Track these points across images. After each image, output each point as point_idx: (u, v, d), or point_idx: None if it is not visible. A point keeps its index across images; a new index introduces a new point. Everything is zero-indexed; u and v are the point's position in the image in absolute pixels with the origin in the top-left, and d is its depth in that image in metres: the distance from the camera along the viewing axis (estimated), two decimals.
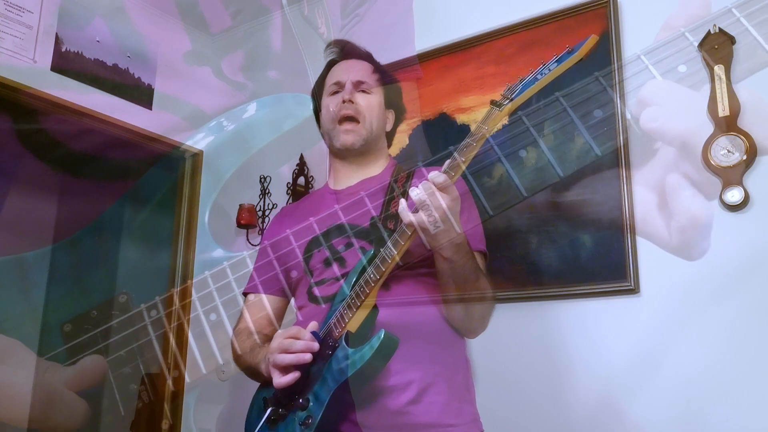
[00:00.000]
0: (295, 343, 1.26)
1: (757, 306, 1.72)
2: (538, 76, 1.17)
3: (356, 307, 1.26)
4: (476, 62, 2.34)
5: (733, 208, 1.78)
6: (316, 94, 1.66)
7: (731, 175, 1.79)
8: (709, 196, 1.82)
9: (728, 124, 1.81)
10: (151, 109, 2.78)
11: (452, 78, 2.38)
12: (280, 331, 1.34)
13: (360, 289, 1.27)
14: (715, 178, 1.82)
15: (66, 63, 2.53)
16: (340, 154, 1.59)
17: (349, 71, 1.59)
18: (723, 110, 1.80)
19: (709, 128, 1.82)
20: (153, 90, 2.80)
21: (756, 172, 1.78)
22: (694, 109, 1.83)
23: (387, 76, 1.65)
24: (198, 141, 2.92)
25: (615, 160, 1.98)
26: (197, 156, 2.96)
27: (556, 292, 2.01)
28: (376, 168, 1.58)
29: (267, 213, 2.77)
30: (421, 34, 2.44)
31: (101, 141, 2.64)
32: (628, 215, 1.93)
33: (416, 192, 1.20)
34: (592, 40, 1.09)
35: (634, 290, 1.90)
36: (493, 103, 1.17)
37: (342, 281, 1.35)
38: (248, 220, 2.72)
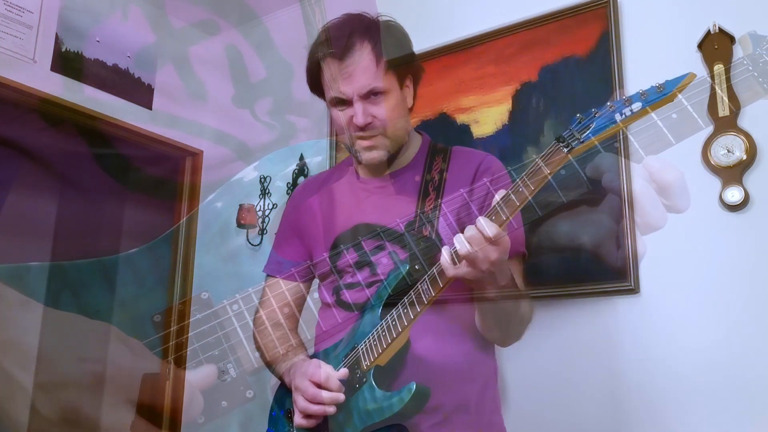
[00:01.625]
0: (321, 395, 1.20)
1: (757, 306, 1.72)
2: (618, 117, 0.91)
3: (387, 342, 1.18)
4: (476, 62, 2.34)
5: (733, 208, 1.79)
6: (312, 79, 1.40)
7: (731, 175, 1.79)
8: (708, 196, 1.82)
9: (728, 124, 1.81)
10: (151, 109, 2.78)
11: (452, 78, 2.38)
12: (306, 367, 1.26)
13: (392, 323, 1.18)
14: (715, 178, 1.82)
15: (66, 63, 2.53)
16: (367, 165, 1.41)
17: (353, 81, 1.30)
18: (723, 110, 1.80)
19: (707, 131, 1.83)
20: (153, 90, 2.80)
21: (756, 172, 1.78)
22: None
23: (399, 52, 1.38)
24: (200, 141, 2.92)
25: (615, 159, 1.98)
26: (197, 156, 2.97)
27: (556, 292, 2.01)
28: (408, 155, 1.42)
29: (267, 213, 2.77)
30: (421, 34, 2.43)
31: (100, 141, 2.64)
32: (628, 215, 1.93)
33: (463, 245, 1.06)
34: (691, 77, 0.83)
35: (634, 290, 1.90)
36: (560, 140, 0.96)
37: (372, 290, 1.27)
38: (248, 220, 2.73)
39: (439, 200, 1.29)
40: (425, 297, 1.14)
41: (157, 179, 2.93)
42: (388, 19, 1.41)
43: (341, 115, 1.34)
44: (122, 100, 2.70)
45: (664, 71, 1.93)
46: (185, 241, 2.92)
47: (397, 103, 1.36)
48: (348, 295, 1.32)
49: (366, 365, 1.21)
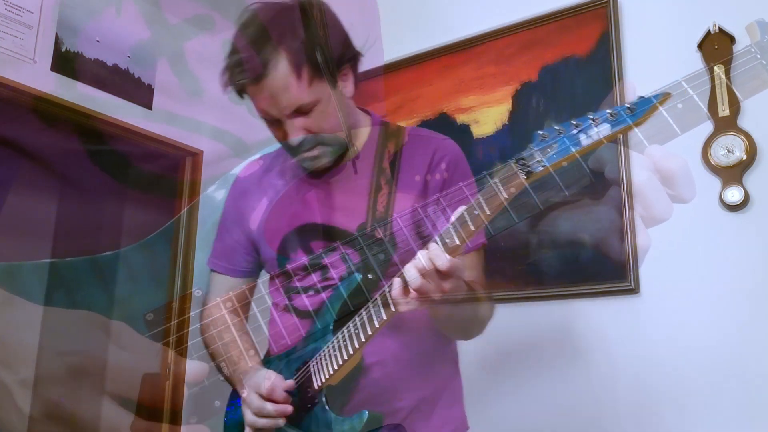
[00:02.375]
0: (266, 408, 1.14)
1: (758, 305, 1.72)
2: (583, 139, 0.81)
3: (338, 364, 1.12)
4: (476, 62, 2.34)
5: (733, 207, 1.79)
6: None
7: (731, 175, 1.79)
8: (708, 195, 1.82)
9: (728, 124, 1.81)
10: (151, 109, 2.78)
11: (452, 78, 2.38)
12: (253, 379, 1.19)
13: (344, 343, 1.11)
14: (715, 178, 1.82)
15: (66, 63, 2.53)
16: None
17: (276, 102, 1.18)
18: (723, 110, 1.80)
19: (707, 131, 1.83)
20: (153, 90, 2.79)
21: (756, 172, 1.78)
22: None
23: (320, 52, 1.18)
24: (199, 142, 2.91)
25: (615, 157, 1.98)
26: (197, 156, 2.96)
27: (556, 292, 2.01)
28: (357, 144, 1.31)
29: None
30: (421, 34, 2.44)
31: (100, 141, 2.64)
32: (628, 215, 1.93)
33: (414, 277, 0.98)
34: (665, 98, 0.75)
35: (634, 290, 1.90)
36: (519, 162, 0.85)
37: (326, 294, 1.20)
38: None
39: (393, 195, 1.20)
40: (377, 320, 1.06)
41: (157, 179, 2.93)
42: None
43: (277, 132, 1.24)
44: (122, 100, 2.70)
45: (664, 71, 1.93)
46: (185, 237, 2.91)
47: (333, 109, 1.21)
48: (299, 300, 1.25)
49: (318, 385, 1.15)
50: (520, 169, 0.85)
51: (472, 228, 0.92)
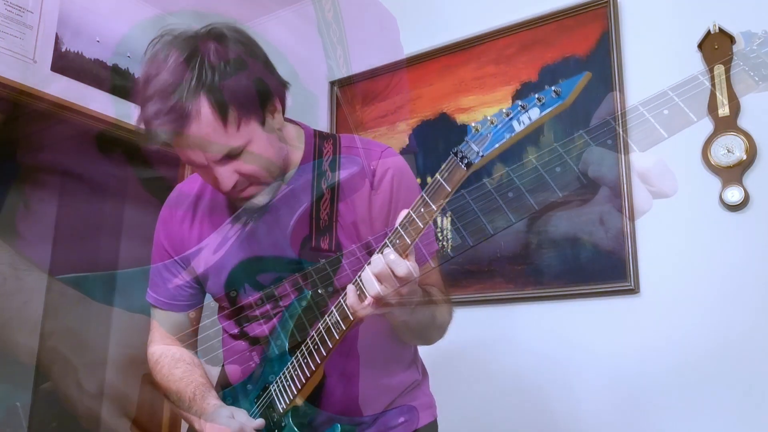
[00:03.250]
0: None
1: (758, 305, 1.72)
2: (516, 126, 0.86)
3: (302, 382, 1.09)
4: (476, 62, 2.34)
5: (733, 208, 1.78)
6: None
7: (731, 175, 1.79)
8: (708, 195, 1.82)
9: (728, 124, 1.81)
10: None
11: (452, 78, 2.38)
12: (217, 420, 1.11)
13: (304, 360, 1.08)
14: (715, 178, 1.82)
15: (66, 63, 2.53)
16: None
17: (203, 150, 1.08)
18: (723, 110, 1.80)
19: (707, 131, 1.82)
20: None
21: (756, 172, 1.78)
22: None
23: (243, 92, 1.07)
24: None
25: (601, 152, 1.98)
26: None
27: (556, 292, 2.01)
28: (294, 161, 1.21)
29: None
30: (421, 34, 2.44)
31: (100, 141, 2.64)
32: (627, 215, 1.93)
33: (371, 285, 0.96)
34: (585, 78, 0.82)
35: (634, 290, 1.90)
36: (457, 155, 0.89)
37: (275, 320, 1.16)
38: None
39: (335, 202, 1.16)
40: (336, 331, 1.03)
41: (157, 179, 2.93)
42: (219, 27, 1.10)
43: (205, 175, 1.14)
44: (122, 100, 2.70)
45: (664, 71, 1.93)
46: None
47: (265, 146, 1.11)
48: (252, 328, 1.20)
49: (282, 408, 1.12)
50: (460, 162, 0.88)
51: (420, 225, 0.92)
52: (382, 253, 0.96)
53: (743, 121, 1.80)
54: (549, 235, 2.06)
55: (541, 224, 2.08)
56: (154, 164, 2.88)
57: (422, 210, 0.92)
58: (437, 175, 0.91)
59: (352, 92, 2.62)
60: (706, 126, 1.83)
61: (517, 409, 1.98)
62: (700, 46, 1.88)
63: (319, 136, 1.24)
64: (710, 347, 1.76)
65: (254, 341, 1.20)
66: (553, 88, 0.85)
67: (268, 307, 1.18)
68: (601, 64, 2.07)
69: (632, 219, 1.91)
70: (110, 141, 2.66)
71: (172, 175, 2.95)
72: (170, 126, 1.04)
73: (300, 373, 1.09)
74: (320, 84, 2.65)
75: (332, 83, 2.65)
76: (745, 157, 1.77)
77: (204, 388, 1.19)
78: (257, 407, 1.16)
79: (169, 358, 1.24)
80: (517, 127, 0.86)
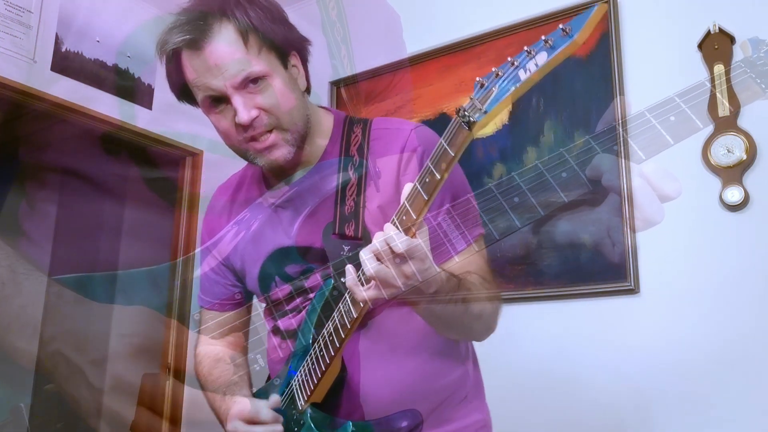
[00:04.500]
0: (253, 431, 1.06)
1: (758, 305, 1.72)
2: (522, 75, 0.78)
3: (318, 377, 1.03)
4: (476, 62, 2.34)
5: (733, 207, 1.79)
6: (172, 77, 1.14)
7: (731, 175, 1.79)
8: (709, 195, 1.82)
9: (728, 124, 1.81)
10: (151, 109, 2.78)
11: (452, 78, 2.38)
12: (234, 408, 1.11)
13: (320, 353, 1.02)
14: (715, 178, 1.82)
15: (66, 63, 2.53)
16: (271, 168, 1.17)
17: (221, 71, 1.04)
18: (723, 110, 1.80)
19: (707, 131, 1.83)
20: (153, 90, 2.80)
21: (756, 172, 1.79)
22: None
23: (271, 25, 1.09)
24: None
25: (614, 165, 1.98)
26: (197, 156, 2.97)
27: (556, 292, 2.02)
28: (319, 145, 1.16)
29: None
30: (421, 34, 2.44)
31: (100, 140, 2.64)
32: (628, 215, 1.93)
33: (371, 264, 0.88)
34: (598, 13, 0.73)
35: (634, 290, 1.90)
36: (460, 114, 0.81)
37: (304, 312, 1.12)
38: None
39: (362, 187, 1.09)
40: (347, 319, 0.96)
41: (157, 179, 2.93)
42: None
43: (222, 120, 1.09)
44: (122, 100, 2.70)
45: (664, 71, 1.94)
46: (185, 241, 2.91)
47: (286, 86, 1.08)
48: (284, 322, 1.17)
49: (301, 405, 1.07)
50: (462, 121, 0.80)
51: (425, 197, 0.85)
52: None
53: (743, 121, 1.80)
54: (549, 236, 2.06)
55: (542, 224, 2.08)
56: (156, 164, 2.88)
57: (427, 180, 0.85)
58: (441, 140, 0.84)
59: (355, 91, 2.62)
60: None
61: (517, 408, 1.99)
62: (700, 46, 1.88)
63: (350, 121, 1.19)
64: (710, 347, 1.76)
65: (286, 335, 1.17)
66: (561, 26, 0.75)
67: (298, 300, 1.13)
68: (601, 64, 2.07)
69: (632, 229, 1.92)
70: (111, 141, 2.66)
71: (173, 175, 2.95)
72: (192, 39, 1.04)
73: (317, 367, 1.03)
74: (321, 85, 2.65)
75: (333, 83, 2.65)
76: (745, 157, 1.77)
77: (236, 387, 1.17)
78: (283, 401, 1.12)
79: (210, 359, 1.23)
80: (524, 76, 0.77)
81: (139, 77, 2.77)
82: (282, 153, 1.08)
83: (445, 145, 0.83)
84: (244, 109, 1.04)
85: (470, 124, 0.80)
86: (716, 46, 1.85)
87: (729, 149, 1.80)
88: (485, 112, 0.78)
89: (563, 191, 0.80)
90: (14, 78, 2.37)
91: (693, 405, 1.76)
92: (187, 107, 1.22)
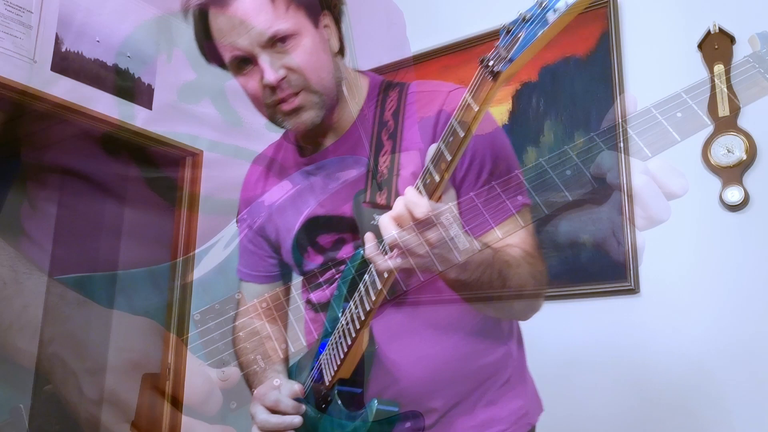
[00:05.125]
0: (270, 421, 1.03)
1: (758, 305, 1.72)
2: (550, 17, 0.68)
3: (344, 352, 0.98)
4: (476, 62, 2.33)
5: (733, 208, 1.79)
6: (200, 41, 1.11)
7: (731, 175, 1.79)
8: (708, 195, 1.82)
9: (728, 124, 1.81)
10: (151, 109, 2.78)
11: (452, 78, 2.38)
12: (258, 389, 1.09)
13: (347, 327, 0.97)
14: (715, 177, 1.82)
15: (66, 63, 2.53)
16: (298, 131, 1.12)
17: (247, 28, 1.00)
18: (723, 110, 1.80)
19: (707, 131, 1.82)
20: (153, 90, 2.79)
21: (756, 172, 1.78)
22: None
23: None
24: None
25: (615, 163, 1.98)
26: (197, 156, 2.97)
27: (556, 292, 2.01)
28: (352, 110, 1.12)
29: None
30: (421, 34, 2.44)
31: (100, 140, 2.64)
32: (628, 215, 1.93)
33: (386, 229, 0.82)
34: None
35: (634, 290, 1.90)
36: (483, 64, 0.74)
37: (335, 286, 1.08)
38: None
39: (396, 153, 1.03)
40: (372, 291, 0.90)
41: (157, 178, 2.94)
42: None
43: (249, 81, 1.05)
44: (122, 100, 2.70)
45: (664, 71, 1.93)
46: (185, 241, 2.91)
47: (315, 46, 1.03)
48: (317, 294, 1.14)
49: (328, 380, 1.03)
50: (486, 72, 0.74)
51: (449, 157, 0.79)
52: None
53: (743, 121, 1.80)
54: (549, 235, 2.06)
55: (541, 223, 2.08)
56: (155, 163, 2.88)
57: (450, 139, 0.78)
58: (465, 95, 0.77)
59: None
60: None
61: None
62: (700, 46, 1.88)
63: (386, 85, 1.13)
64: (710, 347, 1.76)
65: (319, 308, 1.13)
66: None
67: (330, 272, 1.09)
68: (601, 64, 2.07)
69: (632, 221, 1.91)
70: (111, 141, 2.66)
71: (173, 174, 2.95)
72: None
73: (343, 341, 0.98)
74: None
75: None
76: (745, 157, 1.77)
77: (269, 362, 1.14)
78: (309, 378, 1.09)
79: (246, 332, 1.18)
80: (552, 18, 0.68)
81: (139, 77, 2.77)
82: (310, 116, 1.04)
83: (468, 99, 0.76)
84: (270, 68, 1.00)
85: (495, 75, 0.73)
86: (716, 46, 1.85)
87: (729, 149, 1.80)
88: (511, 60, 0.71)
89: (567, 189, 0.77)
90: (14, 78, 2.37)
91: (693, 405, 1.75)
92: (186, 107, 1.22)
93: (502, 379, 1.11)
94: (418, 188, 0.82)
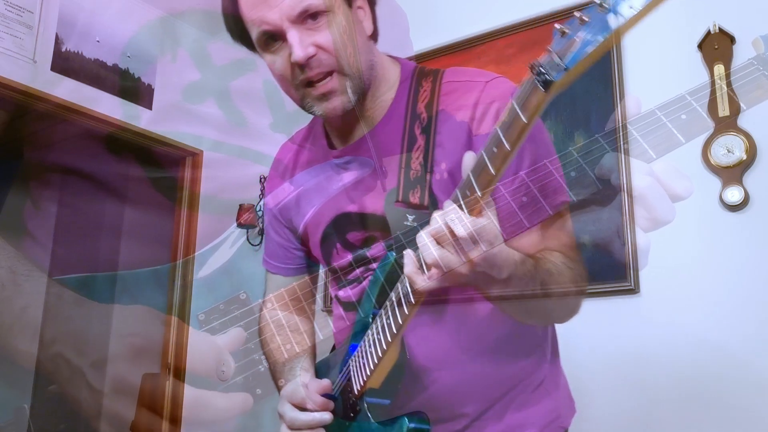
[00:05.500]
0: (299, 419, 1.00)
1: (758, 305, 1.72)
2: (612, 21, 0.60)
3: (374, 362, 0.94)
4: (476, 62, 2.34)
5: (733, 208, 1.79)
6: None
7: (731, 175, 1.79)
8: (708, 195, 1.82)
9: (728, 124, 1.81)
10: (151, 109, 2.78)
11: None
12: (287, 388, 1.05)
13: (377, 336, 0.92)
14: (715, 178, 1.82)
15: (66, 63, 2.53)
16: (329, 120, 1.07)
17: (275, 7, 0.95)
18: (723, 110, 1.80)
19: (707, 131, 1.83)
20: (153, 90, 2.80)
21: (756, 172, 1.79)
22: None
23: None
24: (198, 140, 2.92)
25: (615, 164, 1.98)
26: (197, 156, 2.97)
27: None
28: (385, 99, 1.04)
29: None
30: (421, 34, 2.44)
31: (100, 140, 2.64)
32: (628, 215, 1.94)
33: (428, 249, 0.77)
34: None
35: (634, 290, 1.90)
36: (535, 71, 0.66)
37: (365, 284, 1.03)
38: (248, 220, 2.73)
39: (430, 149, 0.97)
40: (406, 304, 0.86)
41: (157, 178, 2.94)
42: None
43: (277, 59, 0.98)
44: (122, 101, 2.71)
45: (664, 71, 1.94)
46: (185, 241, 2.92)
47: (347, 26, 0.98)
48: (344, 292, 1.10)
49: (358, 389, 0.99)
50: (537, 80, 0.66)
51: (492, 171, 0.72)
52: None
53: (743, 121, 1.81)
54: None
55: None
56: (156, 163, 2.88)
57: (494, 150, 0.71)
58: (512, 101, 0.70)
59: None
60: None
61: None
62: (700, 46, 1.88)
63: (419, 73, 1.06)
64: (710, 347, 1.76)
65: (347, 306, 1.09)
66: None
67: (359, 270, 1.04)
68: (601, 64, 2.07)
69: (631, 216, 1.92)
70: (111, 141, 2.66)
71: (174, 173, 2.95)
72: None
73: (373, 350, 0.93)
74: None
75: None
76: (745, 157, 1.78)
77: (296, 358, 1.11)
78: (337, 383, 1.05)
79: (273, 325, 1.14)
80: (614, 23, 0.59)
81: (140, 77, 2.77)
82: (341, 101, 0.98)
83: (517, 108, 0.69)
84: (299, 45, 0.94)
85: (547, 84, 0.65)
86: (716, 46, 1.85)
87: (729, 149, 1.80)
88: (565, 69, 0.63)
89: (572, 191, 0.75)
90: (14, 78, 2.37)
91: (693, 405, 1.76)
92: (186, 108, 1.21)
93: (535, 383, 1.07)
94: (457, 201, 0.77)
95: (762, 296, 1.72)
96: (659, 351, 1.83)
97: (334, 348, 1.17)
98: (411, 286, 0.84)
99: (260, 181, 2.79)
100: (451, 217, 0.75)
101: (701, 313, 1.79)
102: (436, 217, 0.77)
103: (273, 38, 0.97)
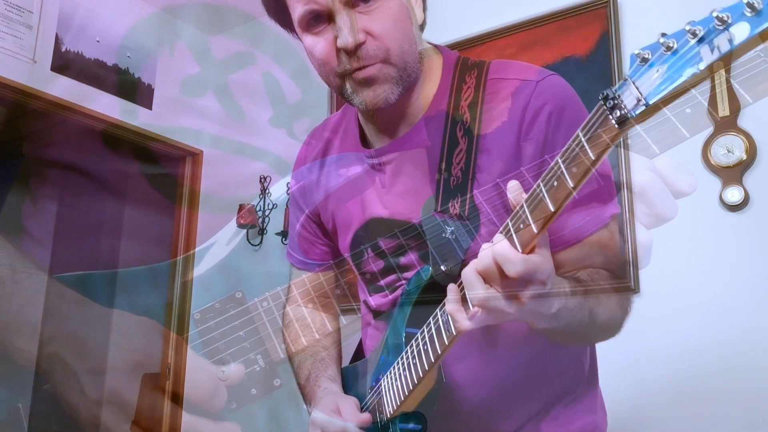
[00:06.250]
0: None
1: (758, 305, 1.72)
2: (706, 54, 0.52)
3: (409, 389, 0.88)
4: None
5: (733, 208, 1.79)
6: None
7: (731, 175, 1.79)
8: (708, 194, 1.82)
9: (728, 124, 1.81)
10: (151, 109, 2.78)
11: None
12: (320, 410, 0.96)
13: (413, 361, 0.87)
14: (715, 178, 1.82)
15: (66, 63, 2.53)
16: (368, 112, 0.96)
17: None
18: (723, 110, 1.80)
19: (707, 131, 1.82)
20: (153, 90, 2.80)
21: (756, 172, 1.78)
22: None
23: None
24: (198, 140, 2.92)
25: (615, 159, 1.98)
26: (197, 156, 2.97)
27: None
28: (426, 95, 0.96)
29: (267, 213, 2.77)
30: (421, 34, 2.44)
31: (100, 140, 2.64)
32: (628, 215, 1.93)
33: (477, 289, 0.71)
34: None
35: (634, 290, 1.90)
36: (608, 104, 0.60)
37: (398, 293, 0.97)
38: (248, 220, 2.73)
39: (473, 154, 0.89)
40: (446, 335, 0.80)
41: (156, 179, 2.94)
42: None
43: (320, 42, 0.89)
44: (122, 100, 2.71)
45: None
46: (185, 241, 2.91)
47: (400, 13, 0.89)
48: (373, 302, 1.03)
49: (390, 411, 0.92)
50: (610, 114, 0.59)
51: (551, 208, 0.65)
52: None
53: (743, 121, 1.80)
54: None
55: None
56: (156, 162, 2.88)
57: (555, 184, 0.64)
58: (578, 133, 0.63)
59: None
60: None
61: None
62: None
63: (462, 64, 0.97)
64: (710, 347, 1.76)
65: (377, 315, 1.03)
66: None
67: (390, 278, 0.97)
68: (601, 64, 2.07)
69: (631, 213, 1.91)
70: (111, 141, 2.66)
71: (173, 171, 2.96)
72: None
73: (407, 375, 0.87)
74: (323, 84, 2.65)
75: None
76: (745, 157, 1.77)
77: (322, 365, 1.04)
78: (369, 399, 0.99)
79: (299, 323, 1.08)
80: (708, 57, 0.51)
81: (139, 77, 2.77)
82: (385, 91, 0.89)
83: (583, 140, 0.61)
84: (349, 31, 0.85)
85: (622, 121, 0.57)
86: None
87: (729, 149, 1.80)
88: (645, 105, 0.54)
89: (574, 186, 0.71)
90: (15, 78, 2.37)
91: (693, 405, 1.75)
92: (186, 105, 1.20)
93: (572, 396, 1.03)
94: (507, 233, 0.70)
95: (762, 296, 1.72)
96: (659, 351, 1.82)
97: (361, 353, 1.12)
98: (453, 325, 0.78)
99: (260, 180, 2.79)
100: (503, 253, 0.68)
101: (701, 312, 1.78)
102: (485, 252, 0.70)
103: (318, 19, 0.89)
